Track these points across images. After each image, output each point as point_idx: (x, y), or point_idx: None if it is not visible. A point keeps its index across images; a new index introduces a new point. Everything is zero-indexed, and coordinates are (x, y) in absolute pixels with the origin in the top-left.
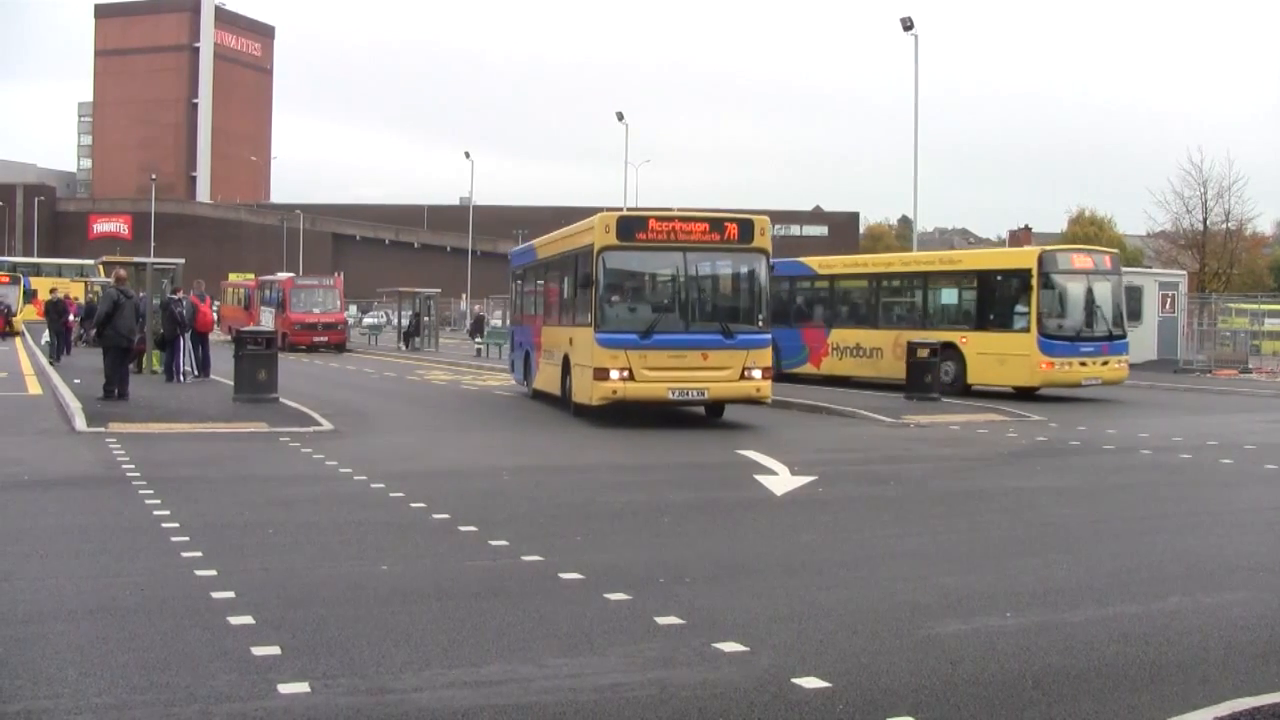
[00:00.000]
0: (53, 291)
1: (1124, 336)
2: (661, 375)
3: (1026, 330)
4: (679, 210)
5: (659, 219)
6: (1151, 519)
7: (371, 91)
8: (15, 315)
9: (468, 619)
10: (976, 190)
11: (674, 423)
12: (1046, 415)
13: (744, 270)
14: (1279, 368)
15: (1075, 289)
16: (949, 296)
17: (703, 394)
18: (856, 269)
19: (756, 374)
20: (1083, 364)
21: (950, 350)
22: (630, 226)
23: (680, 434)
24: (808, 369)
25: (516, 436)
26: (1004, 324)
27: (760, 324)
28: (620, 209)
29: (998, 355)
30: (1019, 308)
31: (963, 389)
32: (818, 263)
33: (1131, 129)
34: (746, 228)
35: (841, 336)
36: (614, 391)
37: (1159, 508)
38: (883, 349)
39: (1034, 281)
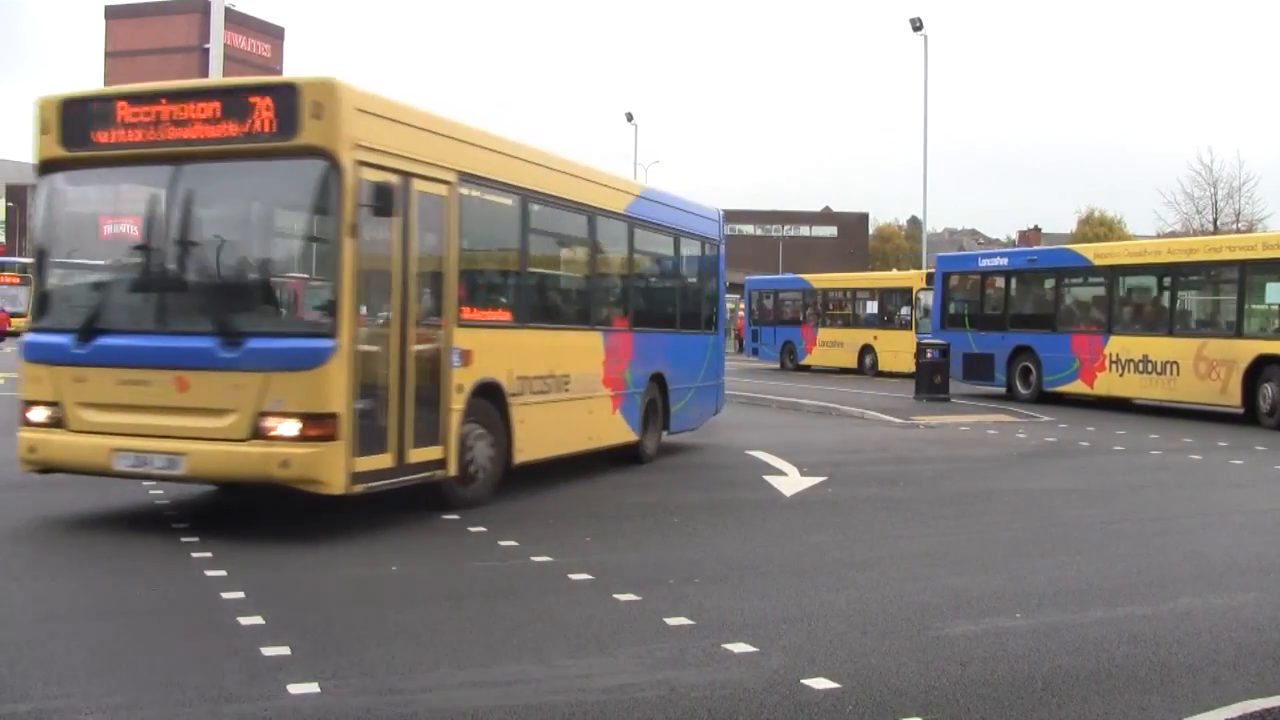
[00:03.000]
0: None
1: None
2: (107, 422)
3: None
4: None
5: (134, 99)
6: (1162, 520)
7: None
8: None
9: (477, 619)
10: (986, 191)
11: None
12: (1055, 417)
13: (288, 195)
14: None
15: None
16: (1277, 293)
17: (174, 465)
18: (1146, 257)
19: (287, 428)
20: None
21: (1275, 366)
22: (83, 119)
23: (682, 435)
24: (1078, 387)
25: None
26: None
27: (318, 315)
28: None
29: None
30: None
31: None
32: (1093, 251)
33: (1141, 129)
34: (286, 101)
35: (1123, 346)
36: (31, 450)
37: (1169, 509)
38: (1179, 363)
39: None
